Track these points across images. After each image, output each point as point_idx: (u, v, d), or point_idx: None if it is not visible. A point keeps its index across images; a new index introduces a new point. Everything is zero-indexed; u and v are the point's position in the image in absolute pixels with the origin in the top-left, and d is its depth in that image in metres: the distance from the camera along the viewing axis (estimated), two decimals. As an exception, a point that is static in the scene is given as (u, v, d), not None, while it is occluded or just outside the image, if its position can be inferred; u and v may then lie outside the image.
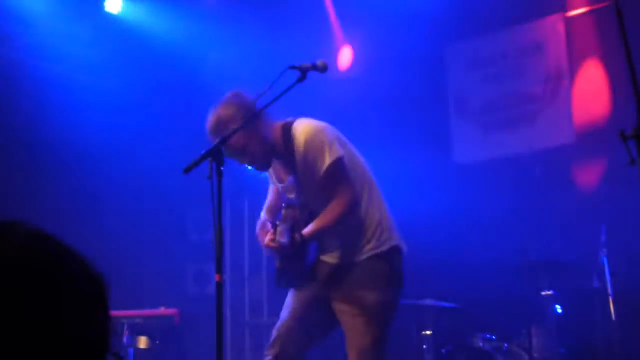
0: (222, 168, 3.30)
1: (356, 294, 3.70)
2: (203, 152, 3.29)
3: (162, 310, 6.00)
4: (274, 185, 4.07)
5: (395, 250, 3.80)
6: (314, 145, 3.67)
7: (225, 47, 7.87)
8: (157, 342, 5.72)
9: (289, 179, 3.85)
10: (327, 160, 3.67)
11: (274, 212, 4.10)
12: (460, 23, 7.40)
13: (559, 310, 5.81)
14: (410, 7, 7.04)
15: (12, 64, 6.96)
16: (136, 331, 5.77)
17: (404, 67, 7.26)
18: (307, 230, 3.66)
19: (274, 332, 3.87)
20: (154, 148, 7.61)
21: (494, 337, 5.92)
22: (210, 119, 3.77)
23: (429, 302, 6.09)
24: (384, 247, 3.76)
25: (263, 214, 4.14)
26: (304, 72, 3.63)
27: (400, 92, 7.06)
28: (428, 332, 6.11)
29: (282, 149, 3.79)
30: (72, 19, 7.06)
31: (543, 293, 5.80)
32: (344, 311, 3.72)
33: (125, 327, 5.56)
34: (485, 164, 7.21)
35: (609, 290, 5.54)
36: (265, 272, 8.36)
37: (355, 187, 3.74)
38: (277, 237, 3.67)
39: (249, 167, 3.85)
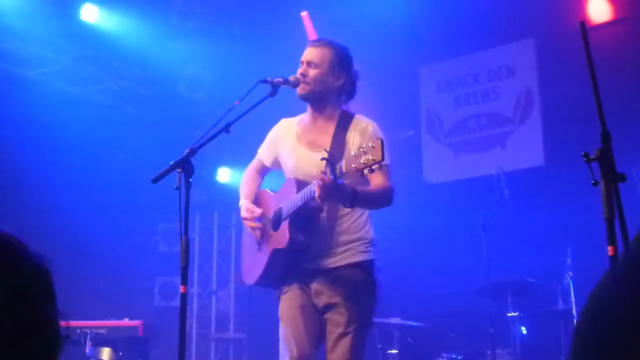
0: (190, 179, 3.30)
1: (340, 303, 3.66)
2: (172, 162, 3.29)
3: (126, 321, 5.95)
4: (285, 148, 3.91)
5: (374, 263, 3.82)
6: (378, 137, 3.49)
7: (201, 60, 7.87)
8: (120, 353, 5.66)
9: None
10: (387, 159, 3.47)
11: (262, 176, 4.09)
12: (434, 44, 7.47)
13: (524, 332, 5.85)
14: (385, 24, 7.07)
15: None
16: (99, 342, 5.70)
17: (378, 85, 7.29)
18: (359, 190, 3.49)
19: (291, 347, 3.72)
20: (125, 158, 7.58)
21: (459, 357, 5.94)
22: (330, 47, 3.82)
23: (395, 320, 6.11)
24: (367, 257, 3.76)
25: (251, 172, 4.09)
26: (275, 87, 3.66)
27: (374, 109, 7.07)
28: (394, 351, 6.12)
29: (333, 121, 3.79)
30: (48, 27, 7.02)
31: (508, 314, 5.84)
32: (328, 320, 3.69)
33: (89, 337, 5.50)
34: (455, 185, 7.26)
35: (574, 312, 5.60)
36: (232, 287, 8.33)
37: None
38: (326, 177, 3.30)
39: (295, 77, 3.74)
